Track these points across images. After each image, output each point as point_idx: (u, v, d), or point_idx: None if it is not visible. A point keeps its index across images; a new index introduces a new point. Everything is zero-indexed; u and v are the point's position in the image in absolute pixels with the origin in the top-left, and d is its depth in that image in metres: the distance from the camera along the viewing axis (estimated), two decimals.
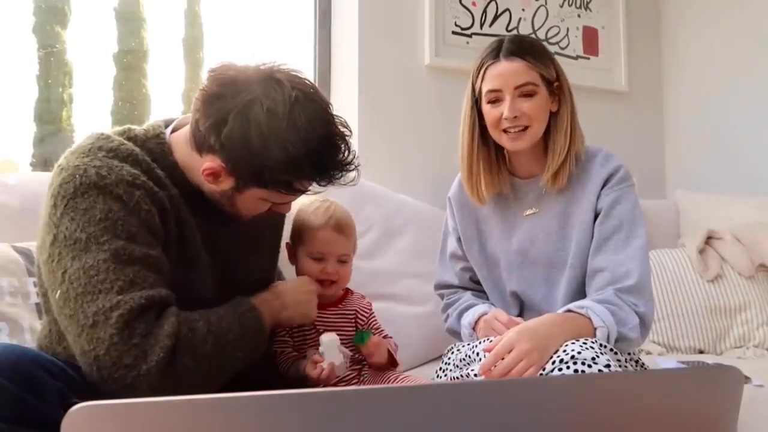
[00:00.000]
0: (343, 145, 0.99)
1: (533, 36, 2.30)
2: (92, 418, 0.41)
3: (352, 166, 1.01)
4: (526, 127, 1.23)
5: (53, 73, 1.85)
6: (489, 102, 1.25)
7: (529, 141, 1.24)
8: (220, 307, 1.00)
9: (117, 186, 0.91)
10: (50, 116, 1.85)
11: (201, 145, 0.97)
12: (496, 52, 1.23)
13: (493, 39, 1.28)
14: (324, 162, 0.98)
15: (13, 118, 1.79)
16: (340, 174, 1.00)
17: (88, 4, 1.91)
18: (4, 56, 1.76)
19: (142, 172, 0.96)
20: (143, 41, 2.00)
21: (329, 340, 1.12)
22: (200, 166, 0.98)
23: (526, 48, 1.23)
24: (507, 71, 1.21)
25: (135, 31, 1.99)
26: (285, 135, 0.93)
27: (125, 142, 0.98)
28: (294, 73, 0.98)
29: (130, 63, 1.98)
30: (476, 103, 1.28)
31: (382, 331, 1.30)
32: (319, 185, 1.01)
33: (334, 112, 1.00)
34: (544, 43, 1.33)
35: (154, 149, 1.01)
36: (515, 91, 1.21)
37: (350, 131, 1.01)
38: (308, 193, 1.03)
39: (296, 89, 0.95)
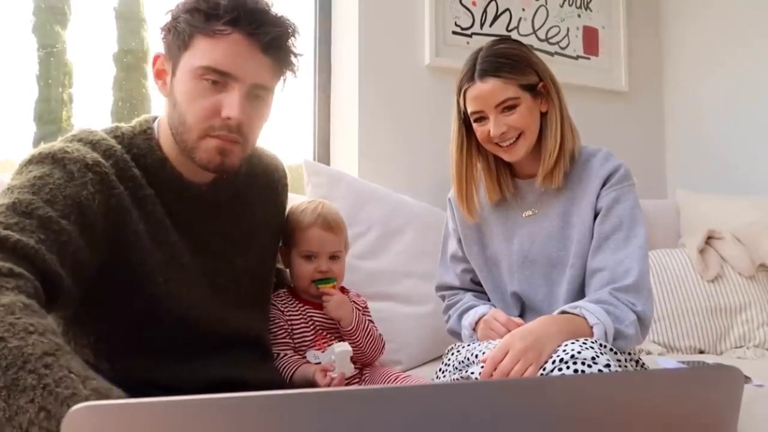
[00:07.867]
0: None
1: (532, 35, 2.30)
2: (92, 418, 0.41)
3: (282, 24, 0.96)
4: (519, 136, 1.23)
5: (53, 72, 1.85)
6: (475, 121, 1.26)
7: (525, 148, 1.25)
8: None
9: (73, 163, 0.88)
10: (50, 116, 1.85)
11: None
12: (471, 74, 1.23)
13: (472, 52, 1.27)
14: None
15: (13, 118, 1.79)
16: (258, 20, 0.93)
17: (88, 4, 1.91)
18: (4, 56, 1.76)
19: (113, 167, 0.93)
20: (143, 41, 1.99)
21: (342, 350, 1.11)
22: None
23: (498, 64, 1.21)
24: (484, 92, 1.21)
25: (135, 31, 1.99)
26: None
27: (109, 139, 0.96)
28: None
29: (130, 63, 1.98)
30: (464, 120, 1.29)
31: (374, 326, 1.31)
32: (236, 27, 0.92)
33: None
34: (529, 45, 1.30)
35: (141, 145, 0.99)
36: (497, 109, 1.22)
37: None
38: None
39: None
